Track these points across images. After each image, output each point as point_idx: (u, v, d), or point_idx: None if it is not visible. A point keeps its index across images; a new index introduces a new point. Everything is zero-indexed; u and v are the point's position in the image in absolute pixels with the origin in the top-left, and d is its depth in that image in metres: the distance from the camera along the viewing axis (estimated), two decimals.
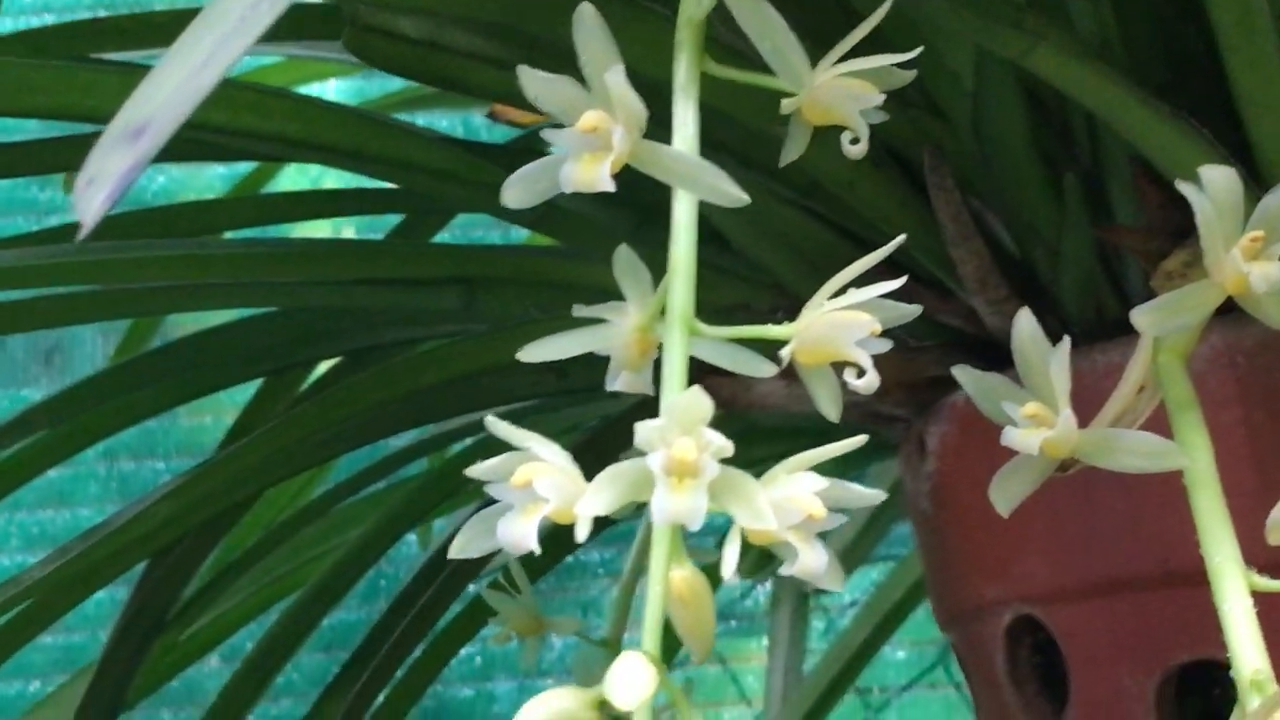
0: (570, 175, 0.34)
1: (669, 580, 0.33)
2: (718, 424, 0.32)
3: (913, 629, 1.19)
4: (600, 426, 0.63)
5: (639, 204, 0.59)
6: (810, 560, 0.32)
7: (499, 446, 0.83)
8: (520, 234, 0.92)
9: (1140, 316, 0.40)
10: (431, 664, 0.79)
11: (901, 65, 0.37)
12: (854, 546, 0.99)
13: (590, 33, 0.34)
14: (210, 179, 1.20)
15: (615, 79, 0.33)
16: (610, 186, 0.34)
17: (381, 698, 0.77)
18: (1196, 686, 0.49)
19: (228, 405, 1.14)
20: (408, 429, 0.69)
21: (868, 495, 0.33)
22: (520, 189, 0.35)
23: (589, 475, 0.69)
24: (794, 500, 0.32)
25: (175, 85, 0.25)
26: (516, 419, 0.73)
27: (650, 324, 0.37)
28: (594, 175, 0.34)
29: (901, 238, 0.36)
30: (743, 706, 1.19)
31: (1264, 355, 0.47)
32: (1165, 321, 0.41)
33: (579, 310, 0.39)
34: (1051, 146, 0.49)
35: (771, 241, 0.56)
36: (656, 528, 0.33)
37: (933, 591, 0.60)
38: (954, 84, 0.47)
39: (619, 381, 0.38)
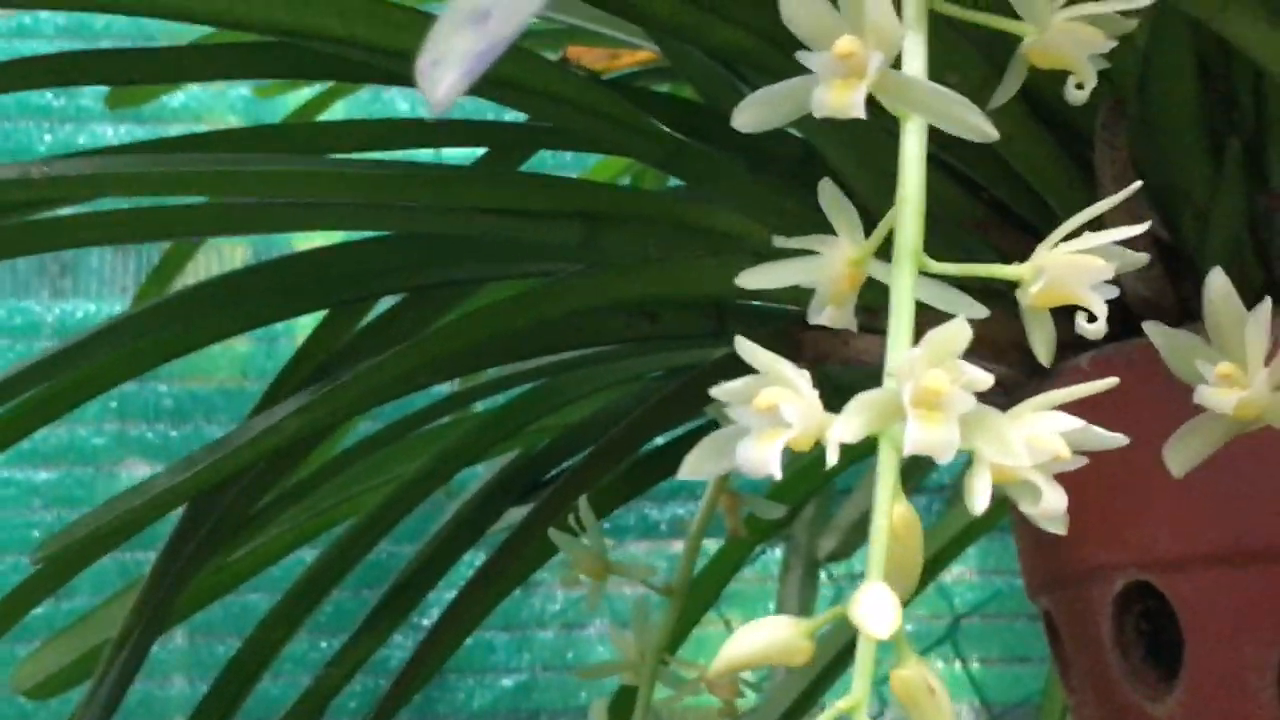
0: (823, 99, 0.33)
1: (891, 516, 0.33)
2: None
3: (922, 603, 1.20)
4: (703, 369, 0.62)
5: (751, 149, 0.59)
6: (1052, 500, 0.32)
7: (559, 391, 0.82)
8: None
9: None
10: (468, 611, 0.79)
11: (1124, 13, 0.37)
12: (867, 517, 0.99)
13: None
14: (233, 100, 1.19)
15: (878, 5, 0.33)
16: (862, 113, 0.33)
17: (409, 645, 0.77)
18: None
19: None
20: (499, 364, 0.68)
21: (1111, 438, 0.33)
22: (758, 111, 0.35)
23: (684, 417, 0.68)
24: (1041, 439, 0.32)
25: None
26: (600, 361, 0.72)
27: (863, 258, 0.37)
28: (847, 100, 0.33)
29: (1138, 184, 0.36)
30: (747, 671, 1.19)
31: None
32: None
33: (780, 241, 0.38)
34: (1213, 113, 0.49)
35: (889, 190, 0.56)
36: (886, 460, 0.33)
37: (1028, 556, 0.60)
38: (1125, 44, 0.46)
39: (823, 316, 0.38)
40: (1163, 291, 0.51)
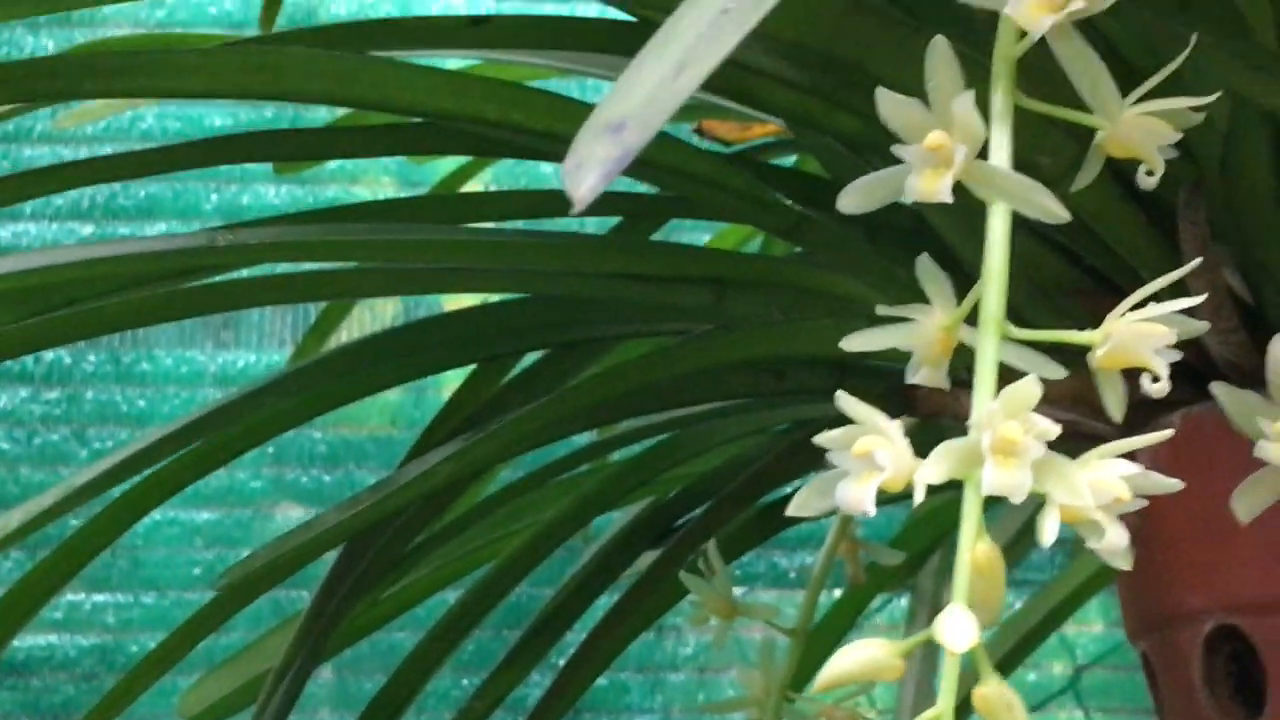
0: (914, 186, 0.38)
1: (975, 551, 0.38)
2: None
3: (1044, 654, 1.23)
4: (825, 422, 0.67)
5: (870, 222, 0.64)
6: (1114, 538, 0.37)
7: (687, 443, 0.86)
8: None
9: None
10: (599, 651, 0.83)
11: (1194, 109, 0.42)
12: None
13: (942, 60, 0.38)
14: (386, 163, 1.25)
15: (963, 104, 0.38)
16: (949, 198, 0.38)
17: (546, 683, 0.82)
18: None
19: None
20: (635, 416, 0.74)
21: (1167, 484, 0.37)
22: (858, 196, 0.40)
23: (808, 467, 0.73)
24: (1105, 483, 0.36)
25: (654, 86, 0.29)
26: (730, 415, 0.77)
27: (955, 325, 0.42)
28: (935, 187, 0.38)
29: (1200, 260, 0.40)
30: (872, 714, 1.23)
31: None
32: None
33: (882, 310, 0.43)
34: None
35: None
36: (970, 501, 0.38)
37: (1127, 600, 0.64)
38: (1208, 126, 0.51)
39: (919, 375, 0.42)
40: (1247, 356, 0.55)
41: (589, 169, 0.29)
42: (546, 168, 1.28)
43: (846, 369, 0.69)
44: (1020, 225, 0.60)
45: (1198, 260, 0.41)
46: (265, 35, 0.74)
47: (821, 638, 0.92)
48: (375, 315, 1.23)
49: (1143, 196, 0.55)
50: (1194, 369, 0.58)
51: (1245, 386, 0.45)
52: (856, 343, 0.41)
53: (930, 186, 0.38)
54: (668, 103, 0.29)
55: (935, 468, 0.36)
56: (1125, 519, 0.62)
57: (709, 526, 0.73)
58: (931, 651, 1.09)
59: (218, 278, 0.64)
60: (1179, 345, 0.58)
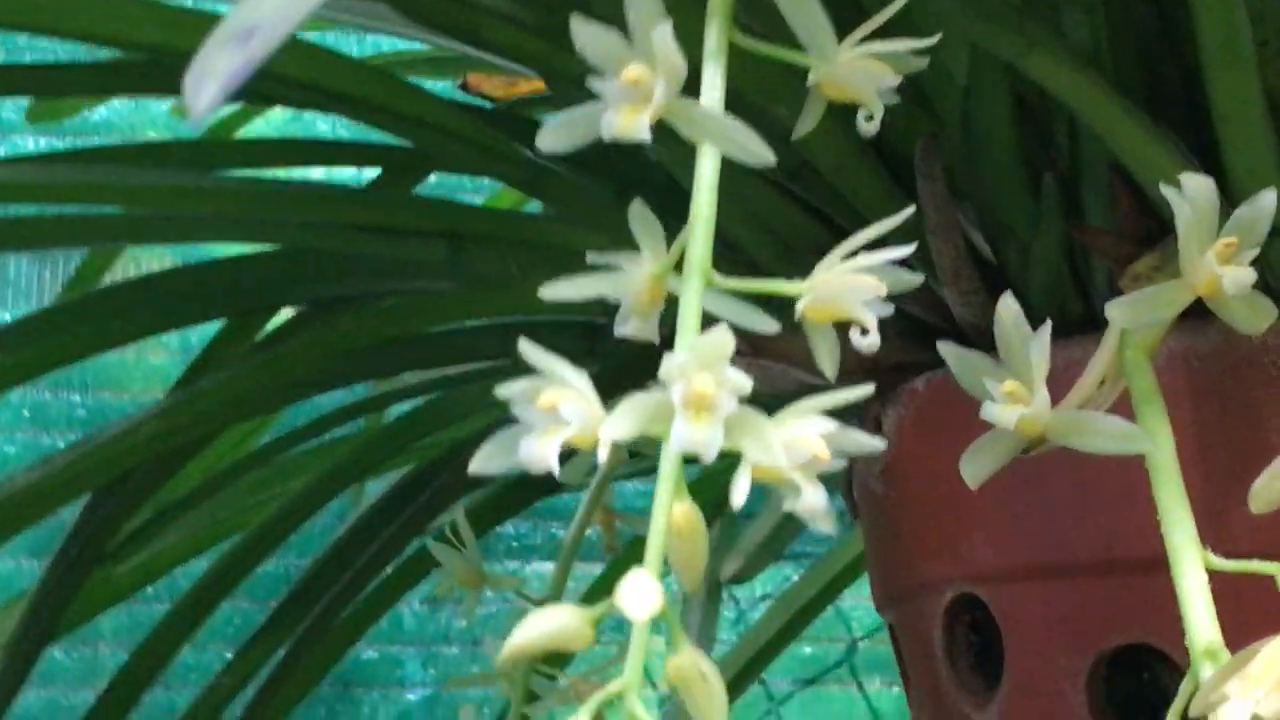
0: (612, 123, 0.36)
1: (671, 512, 0.35)
2: None
3: (821, 626, 1.22)
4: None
5: (620, 175, 0.61)
6: (812, 498, 0.34)
7: (449, 407, 0.84)
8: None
9: (1115, 310, 0.43)
10: (359, 622, 0.81)
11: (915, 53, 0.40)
12: (769, 541, 1.01)
13: None
14: (155, 115, 1.21)
15: (662, 35, 0.35)
16: (648, 136, 0.36)
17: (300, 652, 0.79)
18: (1126, 670, 0.52)
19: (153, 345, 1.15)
20: (373, 379, 0.71)
21: (869, 443, 0.35)
22: (558, 134, 0.37)
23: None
24: (802, 441, 0.34)
25: None
26: (488, 377, 0.74)
27: (664, 273, 0.39)
28: (634, 124, 0.36)
29: (911, 209, 0.38)
30: (648, 690, 1.21)
31: (1217, 360, 0.49)
32: (1138, 317, 0.43)
33: (593, 257, 0.41)
34: (1032, 149, 0.51)
35: (748, 222, 0.59)
36: (667, 459, 0.35)
37: (875, 571, 0.62)
38: (947, 80, 0.49)
39: (628, 327, 0.40)
40: (989, 317, 0.54)
41: (211, 79, 0.26)
42: (324, 124, 1.24)
43: (596, 331, 0.66)
44: (771, 184, 0.59)
45: (913, 209, 0.39)
46: None
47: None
48: (141, 270, 1.18)
49: (886, 153, 0.53)
50: (941, 331, 0.57)
51: (989, 349, 0.44)
52: (557, 291, 0.39)
53: (628, 123, 0.36)
54: (298, 11, 0.26)
55: (622, 422, 0.34)
56: (867, 488, 0.60)
57: (454, 495, 0.71)
58: (709, 626, 1.08)
59: None
60: (922, 306, 0.57)
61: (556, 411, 0.34)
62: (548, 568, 1.24)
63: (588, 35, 0.36)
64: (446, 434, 0.80)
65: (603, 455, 0.34)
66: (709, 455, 0.34)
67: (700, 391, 0.34)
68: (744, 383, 0.34)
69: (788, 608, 1.01)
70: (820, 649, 1.22)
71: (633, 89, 0.36)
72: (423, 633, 1.22)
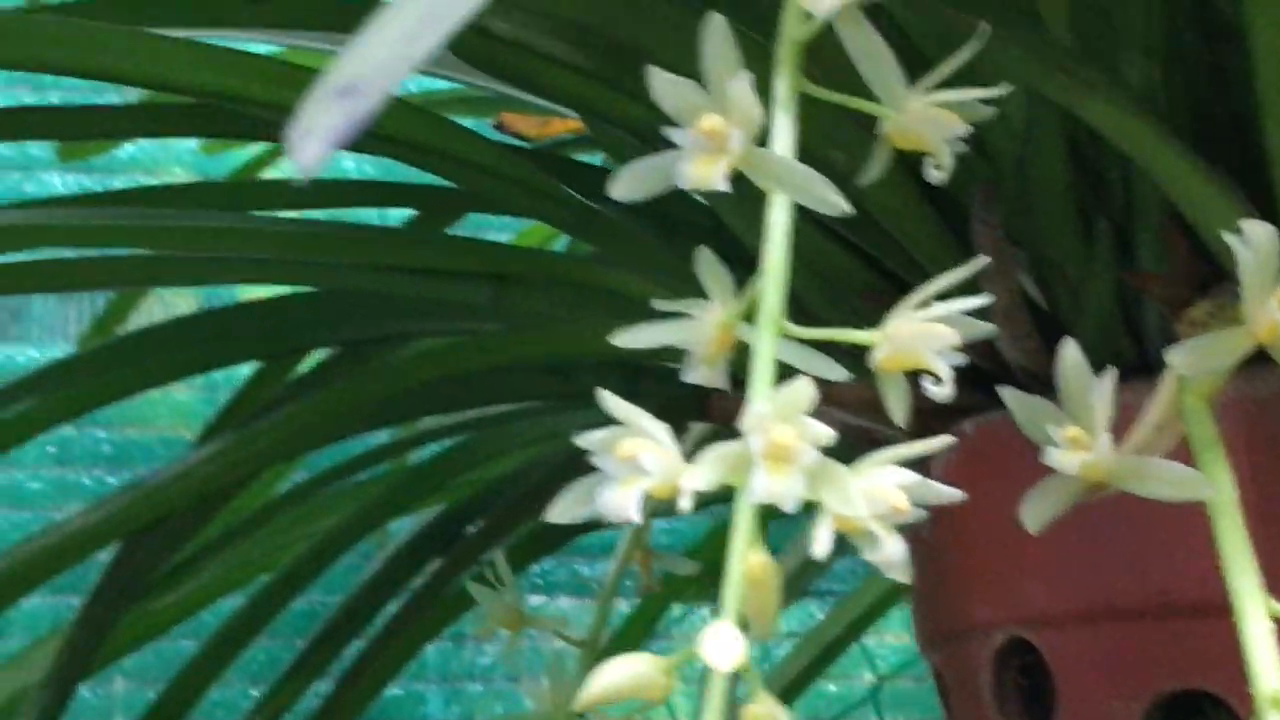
0: (687, 172, 0.36)
1: (747, 561, 0.35)
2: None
3: (846, 664, 1.22)
4: None
5: (666, 218, 0.61)
6: (890, 549, 0.34)
7: (481, 447, 0.84)
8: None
9: (1175, 356, 0.43)
10: (394, 662, 0.81)
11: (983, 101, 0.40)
12: (795, 578, 1.01)
13: (718, 39, 0.36)
14: (180, 153, 1.21)
15: (740, 86, 0.35)
16: (725, 186, 0.36)
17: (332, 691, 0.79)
18: (1179, 717, 0.52)
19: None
20: (415, 419, 0.71)
21: (948, 494, 0.35)
22: (631, 182, 0.37)
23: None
24: (881, 491, 0.34)
25: (389, 49, 0.27)
26: (525, 418, 0.74)
27: (733, 321, 0.39)
28: (710, 174, 0.36)
29: (990, 260, 0.38)
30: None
31: (1275, 406, 0.50)
32: (1198, 363, 0.44)
33: (659, 304, 0.41)
34: (1085, 193, 0.51)
35: (797, 265, 0.59)
36: (742, 509, 0.35)
37: (920, 612, 0.62)
38: (1004, 125, 0.49)
39: (697, 375, 0.40)
40: (1041, 362, 0.54)
41: (315, 137, 0.26)
42: (349, 162, 1.24)
43: (639, 372, 0.66)
44: (818, 226, 0.59)
45: (982, 260, 0.39)
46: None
47: (618, 650, 0.90)
48: (169, 309, 1.18)
49: (940, 198, 0.53)
50: (990, 375, 0.57)
51: (1040, 392, 0.44)
52: (628, 339, 0.39)
53: (704, 173, 0.36)
54: (401, 67, 0.27)
55: (703, 473, 0.34)
56: (915, 531, 0.60)
57: (495, 533, 0.71)
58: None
59: None
60: (972, 349, 0.57)
61: (636, 461, 0.34)
62: (571, 604, 1.23)
63: (664, 85, 0.36)
64: (478, 473, 0.80)
65: (684, 505, 0.34)
66: (788, 506, 0.34)
67: (780, 443, 0.34)
68: (824, 434, 0.34)
69: (813, 645, 1.01)
70: (845, 687, 1.21)
71: (708, 139, 0.36)
72: (446, 669, 1.21)
